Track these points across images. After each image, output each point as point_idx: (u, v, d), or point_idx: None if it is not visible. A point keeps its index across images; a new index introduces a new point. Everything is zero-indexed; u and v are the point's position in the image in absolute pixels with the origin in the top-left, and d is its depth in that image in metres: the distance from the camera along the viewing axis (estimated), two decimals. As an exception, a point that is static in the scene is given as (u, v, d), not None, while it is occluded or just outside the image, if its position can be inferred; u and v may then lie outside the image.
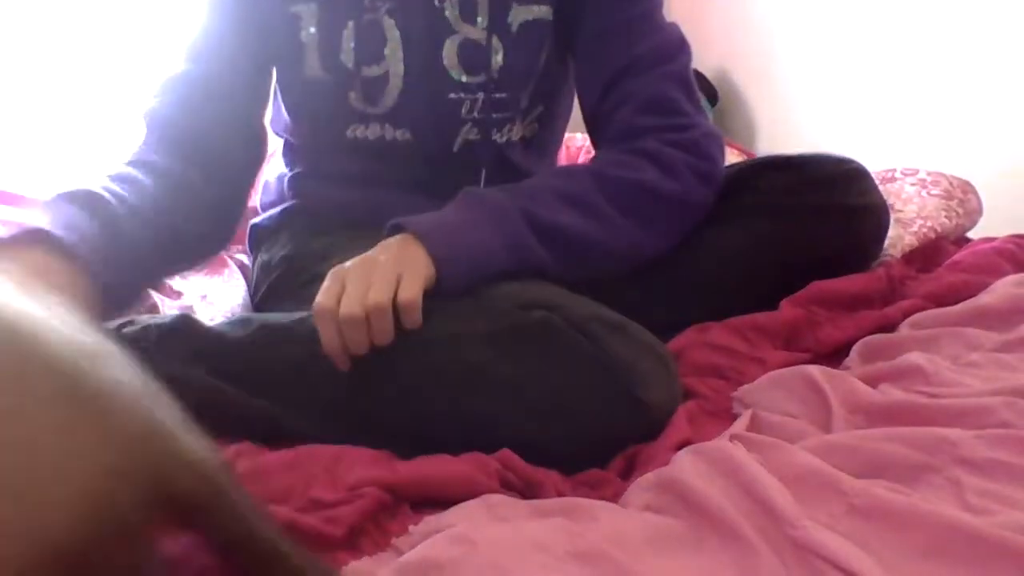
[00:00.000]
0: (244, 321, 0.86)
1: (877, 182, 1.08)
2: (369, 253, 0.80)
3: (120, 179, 0.85)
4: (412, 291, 0.76)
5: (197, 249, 0.96)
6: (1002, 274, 1.07)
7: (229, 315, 1.08)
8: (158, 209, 0.85)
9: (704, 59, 2.47)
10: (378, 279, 0.76)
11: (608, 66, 0.99)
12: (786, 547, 0.58)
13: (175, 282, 1.16)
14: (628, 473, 0.74)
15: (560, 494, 0.70)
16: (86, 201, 0.78)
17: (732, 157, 1.87)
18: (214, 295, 1.14)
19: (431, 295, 0.78)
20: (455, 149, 1.02)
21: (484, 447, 0.72)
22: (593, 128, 1.04)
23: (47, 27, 1.99)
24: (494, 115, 1.00)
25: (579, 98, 1.05)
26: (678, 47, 1.01)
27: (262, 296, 1.06)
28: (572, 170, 1.01)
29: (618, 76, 0.98)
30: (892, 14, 2.05)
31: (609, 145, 1.00)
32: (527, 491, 0.70)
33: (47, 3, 1.99)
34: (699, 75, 2.46)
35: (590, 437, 0.74)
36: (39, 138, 1.95)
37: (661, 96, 0.97)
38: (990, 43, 1.82)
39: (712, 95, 2.50)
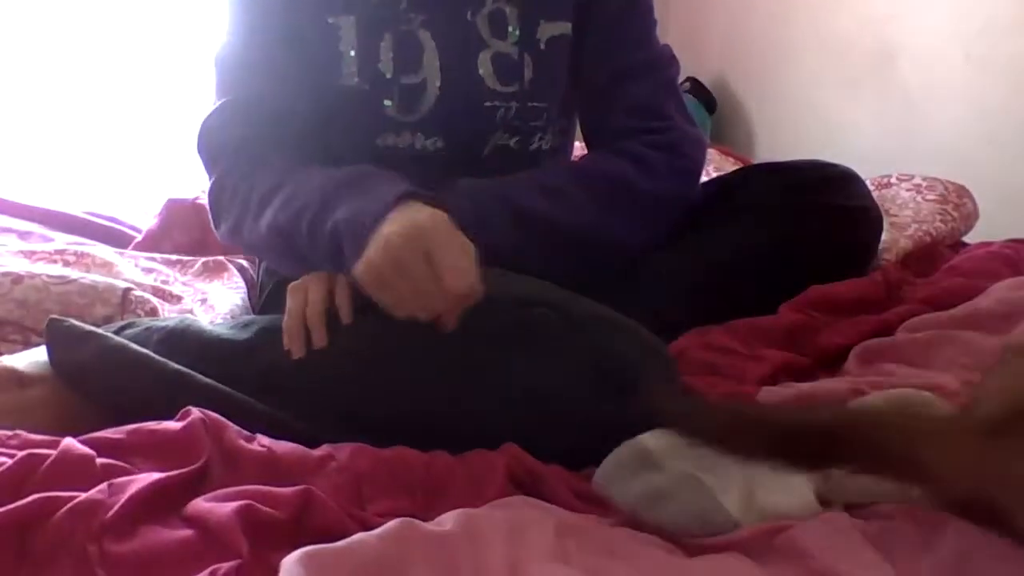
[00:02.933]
0: (245, 324, 0.86)
1: (873, 187, 1.10)
2: None
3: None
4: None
5: None
6: (999, 278, 1.07)
7: (227, 316, 1.08)
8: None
9: (703, 68, 2.48)
10: None
11: (606, 71, 1.03)
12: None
13: (175, 286, 1.16)
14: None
15: (569, 489, 0.70)
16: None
17: (729, 165, 1.87)
18: (214, 298, 1.14)
19: None
20: (484, 154, 1.03)
21: (486, 444, 0.73)
22: (587, 131, 1.09)
23: (47, 30, 2.00)
24: (530, 123, 1.03)
25: (578, 101, 1.07)
26: (670, 60, 1.08)
27: (266, 298, 1.07)
28: (552, 166, 1.05)
29: (615, 80, 1.03)
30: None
31: (598, 146, 1.05)
32: (533, 486, 0.71)
33: (48, 5, 2.00)
34: (698, 83, 2.46)
35: (590, 434, 0.74)
36: (38, 143, 1.96)
37: (651, 101, 1.03)
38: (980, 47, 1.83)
39: (711, 103, 2.50)
